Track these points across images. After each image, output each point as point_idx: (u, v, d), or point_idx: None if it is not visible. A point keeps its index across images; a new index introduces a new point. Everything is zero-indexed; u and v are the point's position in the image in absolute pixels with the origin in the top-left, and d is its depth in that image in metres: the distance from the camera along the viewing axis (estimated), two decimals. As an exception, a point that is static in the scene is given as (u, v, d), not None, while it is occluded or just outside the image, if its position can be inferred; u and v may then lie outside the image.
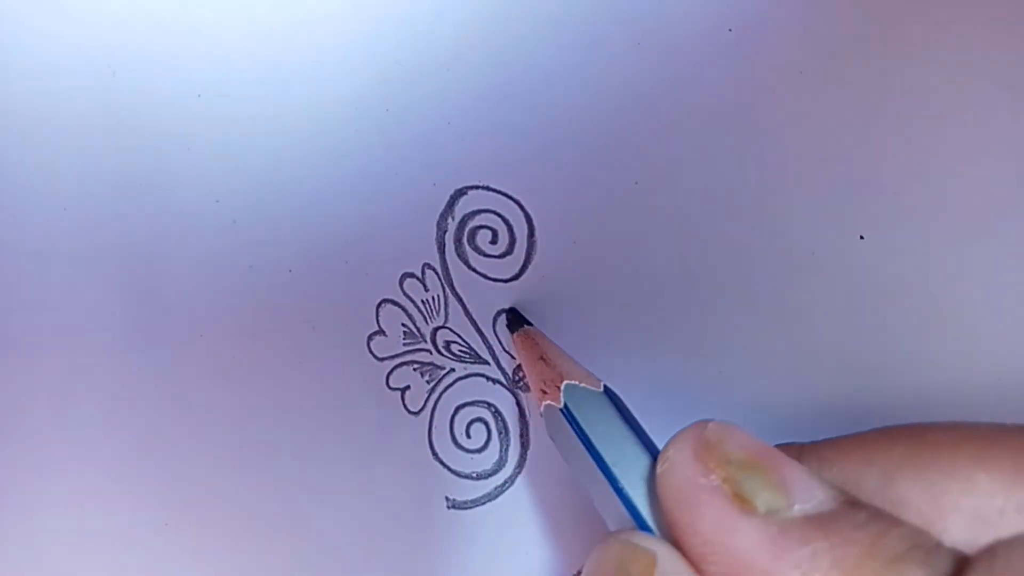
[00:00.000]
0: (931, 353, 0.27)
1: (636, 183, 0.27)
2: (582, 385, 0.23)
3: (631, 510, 0.21)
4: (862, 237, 0.27)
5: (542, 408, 0.24)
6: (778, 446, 0.22)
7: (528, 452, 0.28)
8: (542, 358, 0.25)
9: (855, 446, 0.22)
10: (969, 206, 0.27)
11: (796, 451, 0.22)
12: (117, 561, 0.28)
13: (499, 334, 0.28)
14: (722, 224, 0.27)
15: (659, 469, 0.20)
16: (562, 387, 0.23)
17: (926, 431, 0.21)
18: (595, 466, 0.21)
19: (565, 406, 0.23)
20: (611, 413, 0.23)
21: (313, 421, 0.28)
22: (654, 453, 0.21)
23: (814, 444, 0.23)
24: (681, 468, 0.19)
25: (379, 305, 0.28)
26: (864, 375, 0.27)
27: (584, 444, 0.22)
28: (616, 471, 0.21)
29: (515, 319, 0.27)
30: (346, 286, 0.28)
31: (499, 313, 0.28)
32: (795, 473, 0.19)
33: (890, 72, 0.27)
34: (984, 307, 0.27)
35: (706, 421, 0.20)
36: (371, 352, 0.28)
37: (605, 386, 0.24)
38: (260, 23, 0.27)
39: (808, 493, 0.19)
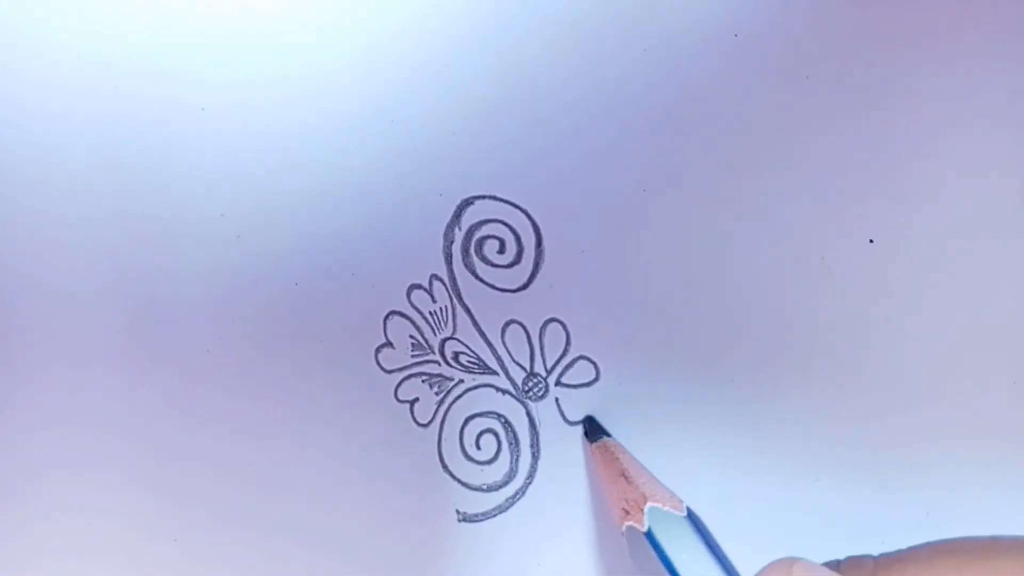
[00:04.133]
0: (944, 355, 0.27)
1: (644, 190, 0.27)
2: (666, 509, 0.23)
3: None
4: (872, 241, 0.27)
5: (623, 528, 0.24)
6: (849, 559, 0.24)
7: (539, 463, 0.28)
8: (623, 475, 0.25)
9: (923, 570, 0.22)
10: (978, 208, 0.27)
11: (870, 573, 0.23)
12: (125, 580, 0.28)
13: (508, 344, 0.28)
14: (731, 230, 0.27)
15: None
16: (646, 510, 0.23)
17: (990, 552, 0.22)
18: None
19: (649, 530, 0.23)
20: (695, 539, 0.23)
21: (321, 435, 0.28)
22: None
23: (885, 561, 0.23)
24: None
25: (386, 317, 0.27)
26: (876, 379, 0.27)
27: (668, 569, 0.22)
28: None
29: (593, 428, 0.27)
30: (353, 298, 0.27)
31: (508, 323, 0.27)
32: None
33: (897, 75, 0.27)
34: (997, 309, 0.27)
35: (790, 560, 0.21)
36: (379, 364, 0.28)
37: (688, 509, 0.24)
38: (263, 35, 0.27)
39: None
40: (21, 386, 0.28)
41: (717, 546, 0.23)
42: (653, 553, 0.23)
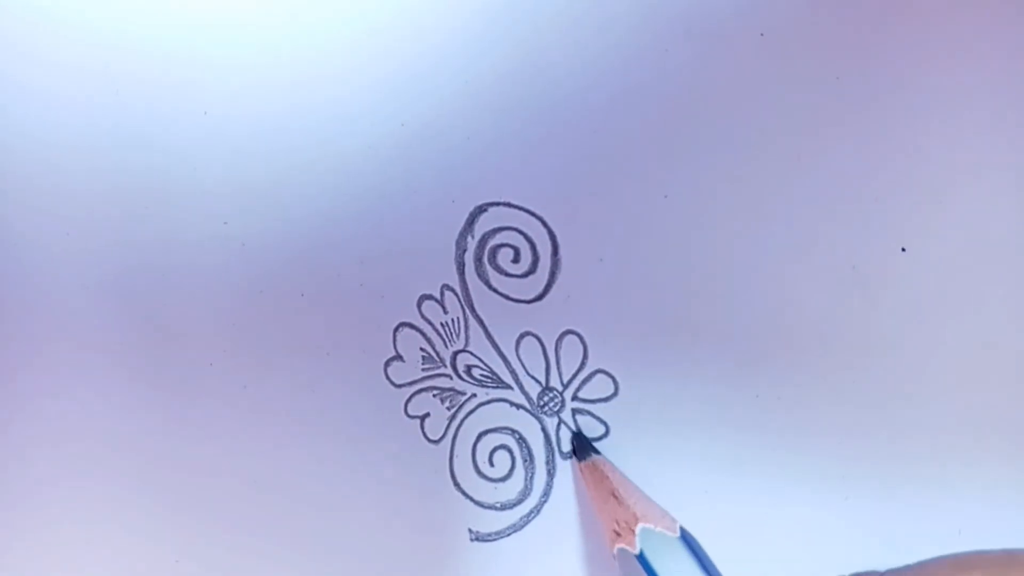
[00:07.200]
0: (981, 369, 0.26)
1: (665, 196, 0.26)
2: (658, 529, 0.23)
3: None
4: (904, 249, 0.26)
5: (615, 550, 0.23)
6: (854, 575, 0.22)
7: (554, 480, 0.27)
8: (613, 495, 0.24)
9: None
10: (1013, 213, 0.26)
11: None
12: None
13: (522, 357, 0.27)
14: (757, 238, 0.26)
15: None
16: (637, 531, 0.22)
17: (1006, 566, 0.21)
18: None
19: (641, 552, 0.22)
20: (689, 562, 0.22)
21: (329, 452, 0.27)
22: None
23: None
24: None
25: (396, 329, 0.27)
26: (910, 393, 0.26)
27: None
28: None
29: (582, 446, 0.26)
30: (362, 309, 0.27)
31: (522, 336, 0.27)
32: None
33: (932, 78, 0.26)
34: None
35: None
36: (388, 379, 0.27)
37: (682, 529, 0.23)
38: (268, 38, 0.26)
39: None
40: (25, 399, 0.27)
41: (713, 568, 0.22)
42: None
